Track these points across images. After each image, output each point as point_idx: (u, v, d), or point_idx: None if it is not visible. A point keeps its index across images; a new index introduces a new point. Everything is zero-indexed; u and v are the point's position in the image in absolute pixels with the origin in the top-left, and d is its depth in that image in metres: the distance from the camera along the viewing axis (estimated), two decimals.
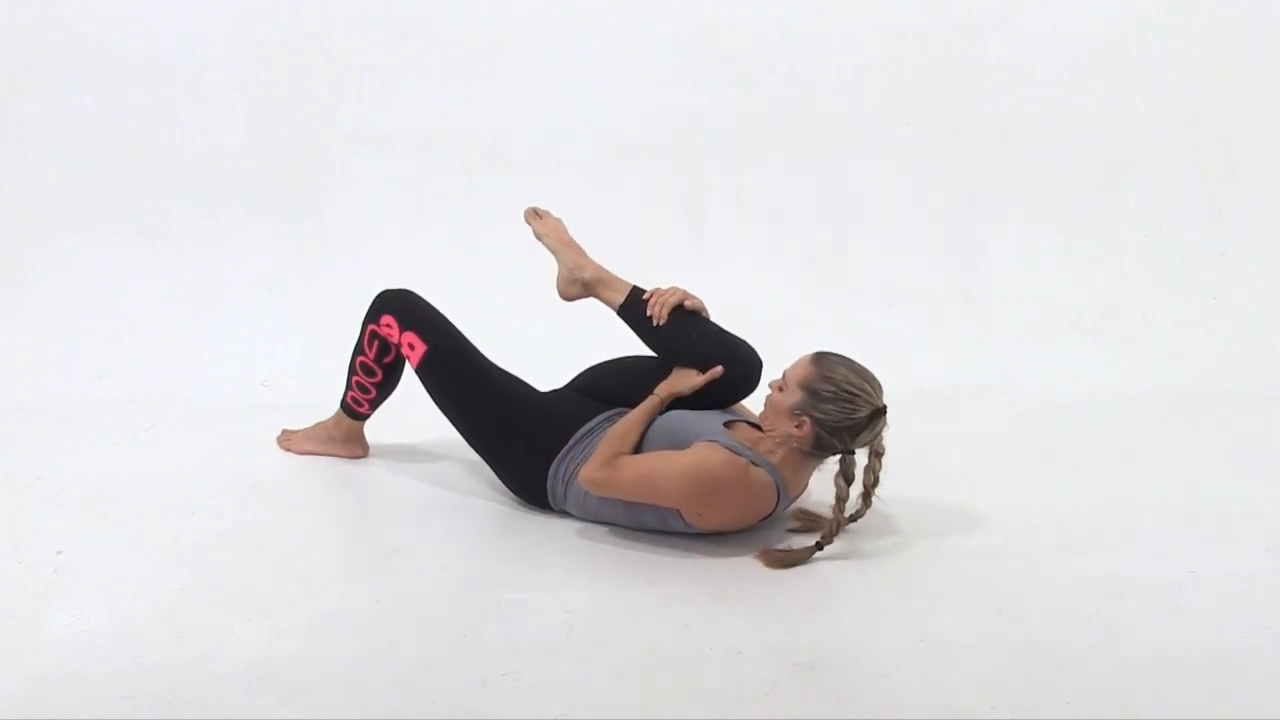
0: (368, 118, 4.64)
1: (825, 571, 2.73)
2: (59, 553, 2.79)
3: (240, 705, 2.23)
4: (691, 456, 2.72)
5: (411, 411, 3.32)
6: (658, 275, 4.37)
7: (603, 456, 2.80)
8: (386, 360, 3.21)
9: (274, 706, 2.23)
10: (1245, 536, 2.90)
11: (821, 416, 2.71)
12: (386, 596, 2.63)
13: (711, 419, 2.87)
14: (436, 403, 3.11)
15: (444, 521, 3.00)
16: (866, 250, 4.51)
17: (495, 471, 3.08)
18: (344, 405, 3.33)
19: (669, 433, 2.84)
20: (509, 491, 3.09)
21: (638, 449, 2.85)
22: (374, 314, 3.19)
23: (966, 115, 4.61)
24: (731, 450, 2.73)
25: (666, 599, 2.61)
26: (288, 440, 3.44)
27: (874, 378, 2.76)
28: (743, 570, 2.73)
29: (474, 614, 2.57)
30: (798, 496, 2.91)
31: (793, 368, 2.79)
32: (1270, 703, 2.25)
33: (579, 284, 3.14)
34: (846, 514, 2.76)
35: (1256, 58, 4.56)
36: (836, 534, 2.75)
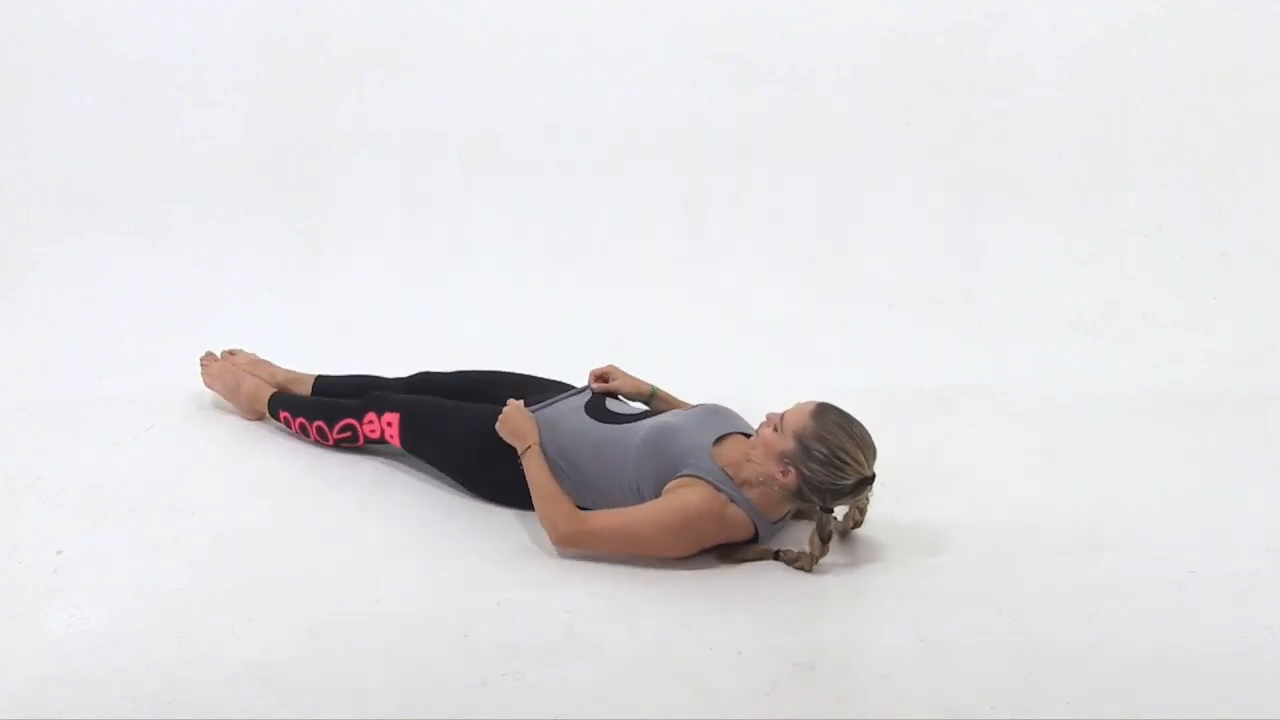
0: (368, 118, 4.63)
1: (825, 572, 2.73)
2: (59, 553, 2.78)
3: (240, 705, 2.23)
4: (667, 510, 2.70)
5: None
6: (658, 275, 4.43)
7: (557, 514, 2.76)
8: (341, 438, 3.29)
9: (274, 706, 2.23)
10: (1245, 536, 2.90)
11: (808, 474, 2.67)
12: (386, 596, 2.63)
13: (702, 434, 2.82)
14: (432, 462, 3.16)
15: (443, 522, 3.00)
16: (866, 250, 4.50)
17: (495, 497, 3.05)
18: (272, 406, 3.42)
19: (657, 448, 2.81)
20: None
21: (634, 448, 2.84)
22: (358, 411, 3.24)
23: (966, 115, 4.60)
24: (712, 484, 2.72)
25: (666, 599, 2.61)
26: (211, 362, 3.61)
27: (869, 444, 2.69)
28: (742, 570, 2.73)
29: (474, 614, 2.57)
30: (778, 521, 2.85)
31: (793, 412, 2.72)
32: (1270, 703, 2.25)
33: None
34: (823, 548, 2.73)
35: (1256, 58, 4.56)
36: (810, 566, 2.72)
